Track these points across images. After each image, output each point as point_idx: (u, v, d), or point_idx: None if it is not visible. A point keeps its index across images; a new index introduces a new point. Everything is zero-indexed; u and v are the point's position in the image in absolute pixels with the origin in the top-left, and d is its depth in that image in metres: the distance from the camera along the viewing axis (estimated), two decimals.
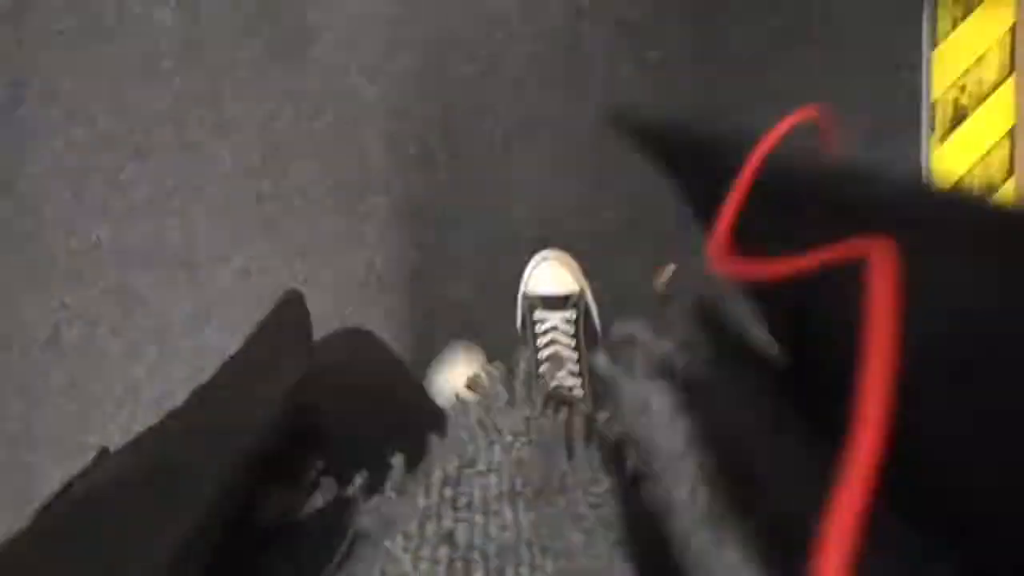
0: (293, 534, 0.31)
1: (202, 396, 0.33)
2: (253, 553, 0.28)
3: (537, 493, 0.33)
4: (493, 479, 0.32)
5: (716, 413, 0.27)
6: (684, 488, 0.25)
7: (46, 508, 0.26)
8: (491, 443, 0.36)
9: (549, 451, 0.37)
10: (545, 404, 0.41)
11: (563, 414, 0.39)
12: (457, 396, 0.39)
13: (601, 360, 0.35)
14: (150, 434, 0.31)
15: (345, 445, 0.38)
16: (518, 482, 0.33)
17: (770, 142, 0.25)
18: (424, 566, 0.28)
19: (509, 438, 0.36)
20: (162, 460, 0.28)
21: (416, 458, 0.36)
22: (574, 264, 0.96)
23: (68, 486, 0.28)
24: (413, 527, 0.30)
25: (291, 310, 0.35)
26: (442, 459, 0.33)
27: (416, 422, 0.38)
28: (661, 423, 0.28)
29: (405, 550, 0.29)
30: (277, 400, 0.32)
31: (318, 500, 0.33)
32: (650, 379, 0.31)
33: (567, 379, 0.89)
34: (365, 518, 0.32)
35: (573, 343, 0.93)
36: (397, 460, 0.34)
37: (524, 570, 0.28)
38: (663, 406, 0.29)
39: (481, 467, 0.33)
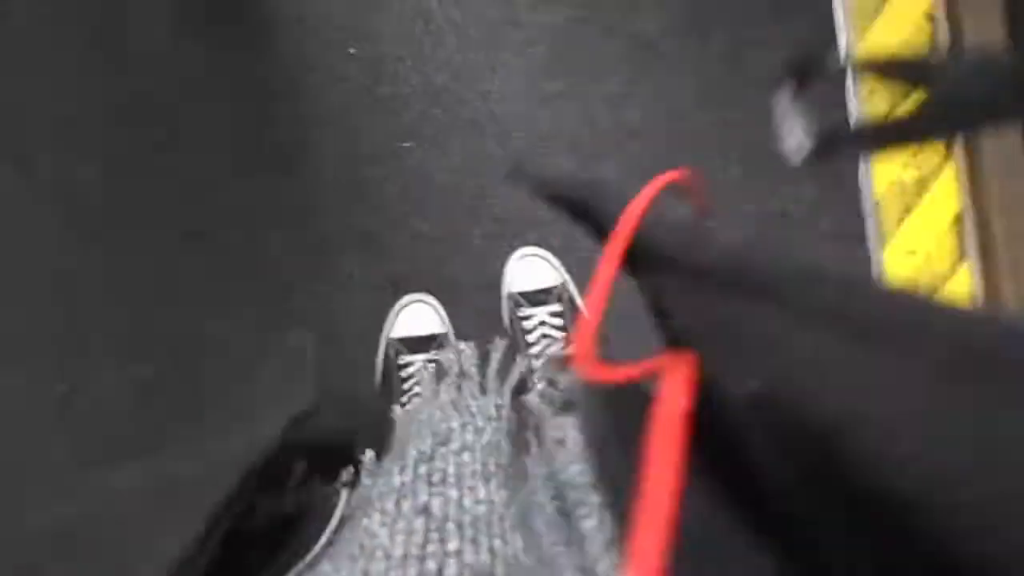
0: (284, 526, 0.33)
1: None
2: (249, 548, 0.30)
3: (507, 476, 0.34)
4: (467, 457, 0.33)
5: (609, 456, 0.29)
6: (592, 520, 0.29)
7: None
8: (464, 425, 0.37)
9: (514, 439, 0.38)
10: (513, 396, 0.43)
11: (524, 411, 0.41)
12: (427, 372, 0.41)
13: (532, 398, 0.37)
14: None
15: (322, 446, 0.40)
16: (491, 463, 0.34)
17: (636, 212, 0.27)
18: (400, 537, 0.29)
19: (481, 423, 0.38)
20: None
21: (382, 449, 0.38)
22: (552, 258, 0.97)
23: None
24: (390, 505, 0.31)
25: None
26: (417, 437, 0.35)
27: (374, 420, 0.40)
28: (573, 459, 0.31)
29: (383, 525, 0.30)
30: (282, 426, 0.34)
31: (304, 496, 0.35)
32: (565, 414, 0.33)
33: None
34: (349, 504, 0.34)
35: (563, 336, 0.94)
36: (368, 455, 0.36)
37: (497, 542, 0.29)
38: (576, 442, 0.32)
39: (455, 446, 0.34)
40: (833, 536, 0.18)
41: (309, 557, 0.30)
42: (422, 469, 0.33)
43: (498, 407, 0.40)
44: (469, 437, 0.35)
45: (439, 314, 0.99)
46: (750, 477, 0.23)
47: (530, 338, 0.93)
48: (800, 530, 0.20)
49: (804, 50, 0.26)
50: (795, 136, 0.25)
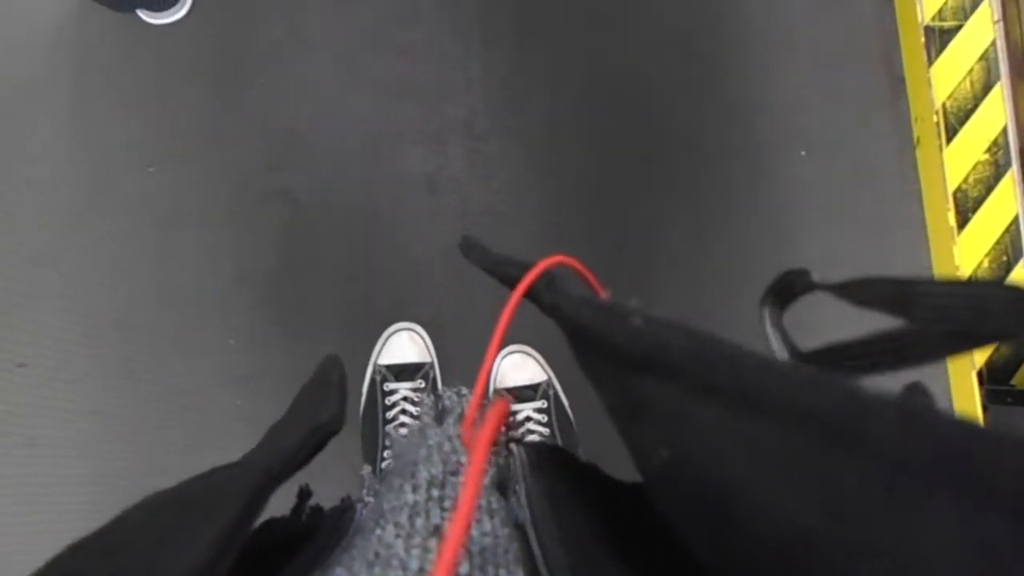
0: (298, 538, 0.33)
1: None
2: (264, 560, 0.31)
3: (508, 515, 0.36)
4: None
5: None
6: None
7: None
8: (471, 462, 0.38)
9: (507, 485, 0.40)
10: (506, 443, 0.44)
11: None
12: (428, 400, 0.42)
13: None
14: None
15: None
16: (493, 500, 0.36)
17: (519, 292, 0.31)
18: (416, 551, 0.30)
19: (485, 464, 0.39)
20: (194, 485, 0.31)
21: None
22: (538, 355, 1.00)
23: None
24: (404, 519, 0.32)
25: (329, 372, 0.39)
26: (427, 462, 0.36)
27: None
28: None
29: (397, 536, 0.31)
30: (300, 436, 0.34)
31: (317, 510, 0.37)
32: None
33: None
34: (362, 514, 0.36)
35: (548, 433, 0.95)
36: (366, 470, 0.37)
37: (502, 572, 0.30)
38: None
39: (463, 479, 0.35)
40: None
41: (323, 563, 0.31)
42: (435, 492, 0.34)
43: (494, 454, 0.41)
44: None
45: (426, 343, 1.02)
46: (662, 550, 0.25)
47: (515, 433, 0.95)
48: None
49: (783, 275, 0.29)
50: (777, 351, 0.28)
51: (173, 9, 1.15)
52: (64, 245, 1.11)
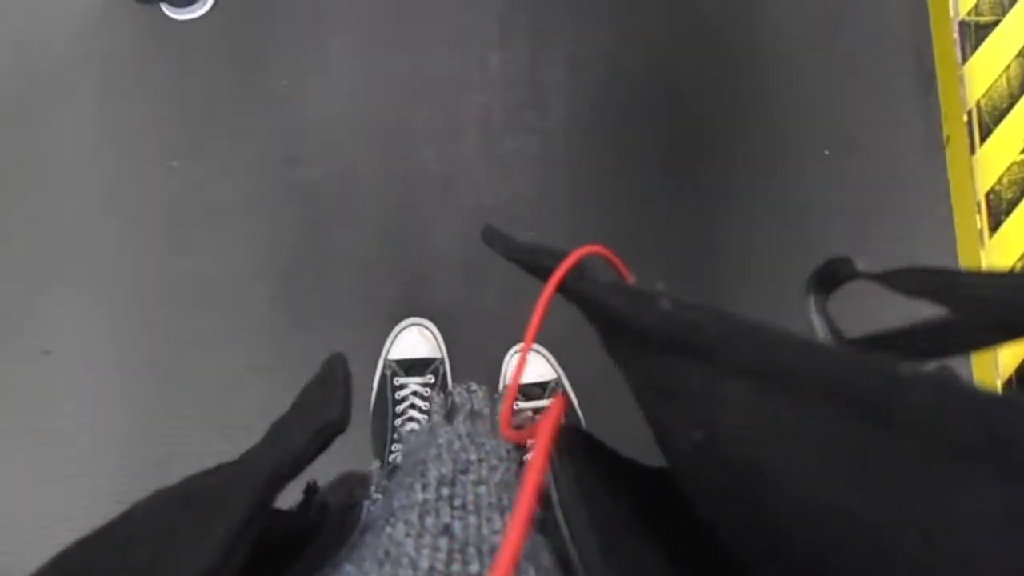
0: (306, 535, 0.35)
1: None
2: (271, 556, 0.31)
3: None
4: (483, 490, 0.35)
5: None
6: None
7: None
8: (480, 460, 0.38)
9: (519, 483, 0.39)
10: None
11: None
12: (438, 399, 0.42)
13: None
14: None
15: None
16: (504, 498, 0.36)
17: (555, 281, 0.31)
18: (426, 551, 0.30)
19: (495, 461, 0.39)
20: (201, 482, 0.31)
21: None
22: (548, 353, 1.00)
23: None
24: (414, 517, 0.32)
25: (334, 370, 0.39)
26: (437, 461, 0.37)
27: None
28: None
29: (407, 535, 0.31)
30: (308, 435, 0.34)
31: (324, 507, 0.37)
32: None
33: None
34: (370, 511, 0.37)
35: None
36: (374, 465, 0.37)
37: (527, 563, 0.30)
38: None
39: (472, 477, 0.36)
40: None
41: (332, 560, 0.32)
42: (444, 491, 0.34)
43: (508, 450, 0.41)
44: (484, 472, 0.36)
45: (436, 339, 1.02)
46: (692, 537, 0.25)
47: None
48: None
49: (827, 263, 0.29)
50: (822, 337, 0.29)
51: (196, 5, 1.17)
52: (88, 236, 1.14)
